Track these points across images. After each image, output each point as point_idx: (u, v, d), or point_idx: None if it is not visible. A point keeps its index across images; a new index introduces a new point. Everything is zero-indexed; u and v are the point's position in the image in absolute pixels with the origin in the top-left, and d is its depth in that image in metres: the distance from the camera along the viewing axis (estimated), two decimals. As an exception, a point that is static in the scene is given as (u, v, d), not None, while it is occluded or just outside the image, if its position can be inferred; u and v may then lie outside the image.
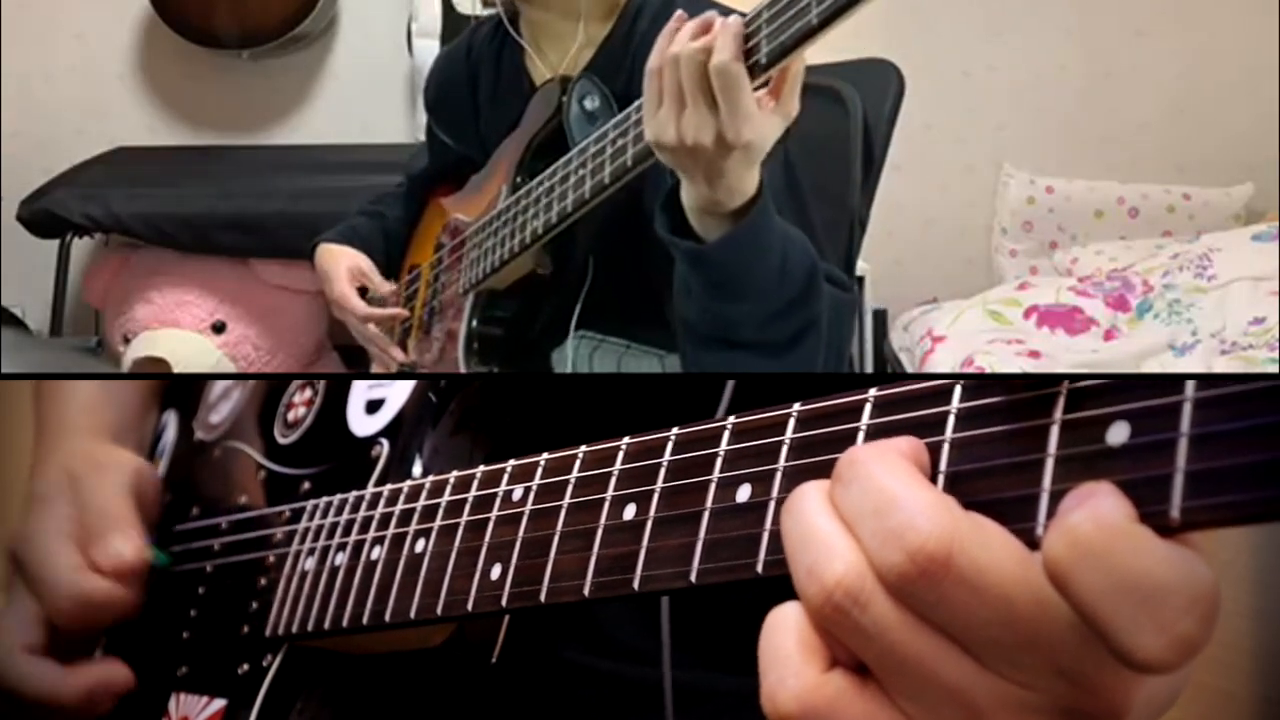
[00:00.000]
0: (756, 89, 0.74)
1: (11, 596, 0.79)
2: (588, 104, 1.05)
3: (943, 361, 2.22)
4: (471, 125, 1.26)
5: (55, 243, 2.42)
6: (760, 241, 0.82)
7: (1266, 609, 1.26)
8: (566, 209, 0.96)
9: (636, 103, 0.85)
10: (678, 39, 0.76)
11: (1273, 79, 2.71)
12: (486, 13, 1.29)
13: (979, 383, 0.40)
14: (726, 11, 0.76)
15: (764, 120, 0.75)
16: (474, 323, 1.14)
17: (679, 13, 0.79)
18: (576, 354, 1.14)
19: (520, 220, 1.05)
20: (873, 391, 0.44)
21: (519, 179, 1.11)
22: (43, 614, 0.76)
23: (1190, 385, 0.35)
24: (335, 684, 0.71)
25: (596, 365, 1.14)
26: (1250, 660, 1.26)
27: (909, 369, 2.37)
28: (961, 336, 2.27)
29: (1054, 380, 0.39)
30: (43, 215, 2.32)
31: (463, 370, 1.13)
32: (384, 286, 1.31)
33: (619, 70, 1.08)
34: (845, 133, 1.34)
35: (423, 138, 1.46)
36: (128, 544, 0.75)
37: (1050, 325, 2.31)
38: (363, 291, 1.30)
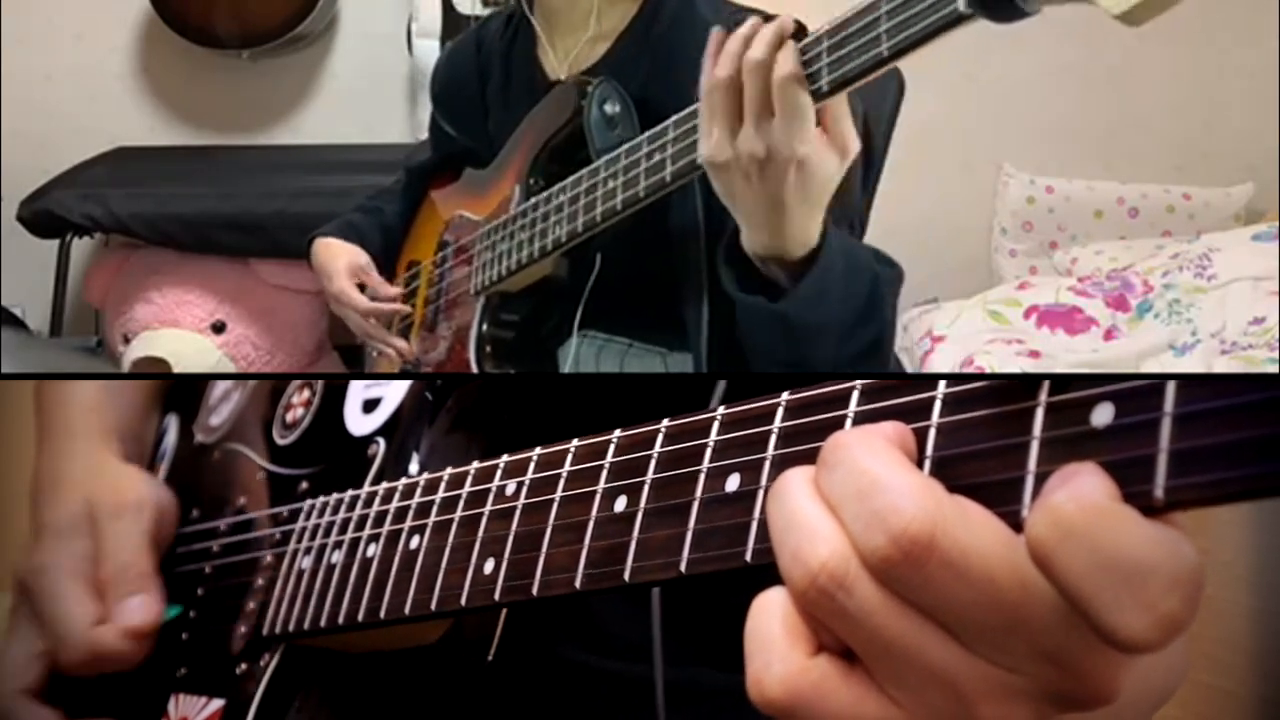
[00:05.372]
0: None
1: (15, 626, 0.78)
2: (608, 108, 1.04)
3: (942, 361, 2.21)
4: (479, 119, 1.25)
5: (55, 243, 2.42)
6: (829, 284, 0.81)
7: (1266, 609, 1.25)
8: (595, 220, 0.95)
9: (674, 118, 0.85)
10: (724, 61, 0.74)
11: (1273, 79, 2.71)
12: (486, 12, 1.29)
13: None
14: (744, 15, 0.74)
15: (820, 145, 0.73)
16: (485, 326, 1.13)
17: (716, 31, 0.77)
18: (581, 354, 1.14)
19: (540, 227, 1.03)
20: (859, 380, 0.44)
21: (533, 180, 1.10)
22: (44, 652, 0.76)
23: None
24: (333, 683, 0.71)
25: (602, 365, 1.14)
26: (1250, 660, 1.26)
27: (909, 369, 2.37)
28: (961, 336, 2.27)
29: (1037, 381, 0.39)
30: (43, 215, 2.32)
31: (474, 372, 1.13)
32: (385, 289, 1.27)
33: (635, 70, 1.07)
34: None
35: (423, 137, 1.45)
36: (150, 607, 0.75)
37: (1050, 325, 2.31)
38: (361, 288, 1.29)
